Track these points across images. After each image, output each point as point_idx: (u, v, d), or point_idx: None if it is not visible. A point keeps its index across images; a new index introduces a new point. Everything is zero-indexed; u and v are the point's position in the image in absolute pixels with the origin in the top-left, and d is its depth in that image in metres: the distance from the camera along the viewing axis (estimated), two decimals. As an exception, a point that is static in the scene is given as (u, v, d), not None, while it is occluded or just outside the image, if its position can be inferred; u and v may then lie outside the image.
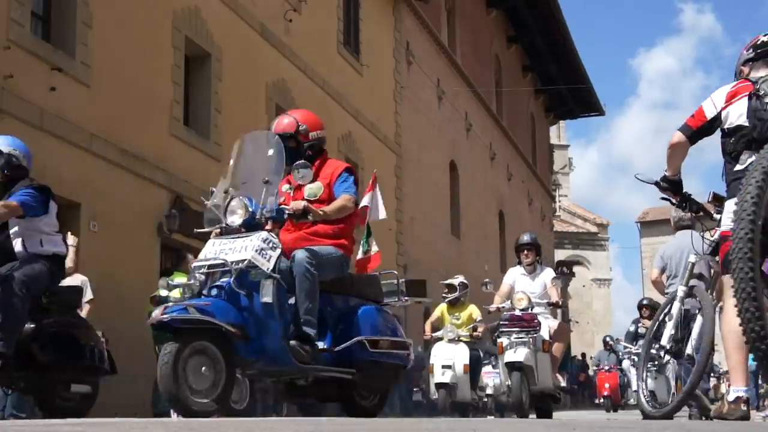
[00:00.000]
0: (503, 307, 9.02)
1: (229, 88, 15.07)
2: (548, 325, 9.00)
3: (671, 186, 4.97)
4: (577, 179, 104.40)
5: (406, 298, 6.22)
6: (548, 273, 9.35)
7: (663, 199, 5.14)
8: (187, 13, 14.12)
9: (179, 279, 10.40)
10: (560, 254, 46.30)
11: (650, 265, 11.69)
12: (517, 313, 8.76)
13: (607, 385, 19.16)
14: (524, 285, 9.20)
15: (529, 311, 8.81)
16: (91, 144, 11.76)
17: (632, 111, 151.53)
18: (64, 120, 11.26)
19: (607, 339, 21.18)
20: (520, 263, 9.37)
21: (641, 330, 13.21)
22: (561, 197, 54.80)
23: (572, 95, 36.56)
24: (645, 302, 13.67)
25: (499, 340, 8.77)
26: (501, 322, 8.83)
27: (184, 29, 14.01)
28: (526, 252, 9.32)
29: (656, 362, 5.58)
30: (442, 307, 12.05)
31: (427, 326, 12.30)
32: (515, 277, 9.40)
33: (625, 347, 14.34)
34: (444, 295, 12.10)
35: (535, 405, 9.02)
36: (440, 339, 11.49)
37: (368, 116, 20.73)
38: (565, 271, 36.32)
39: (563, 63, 33.83)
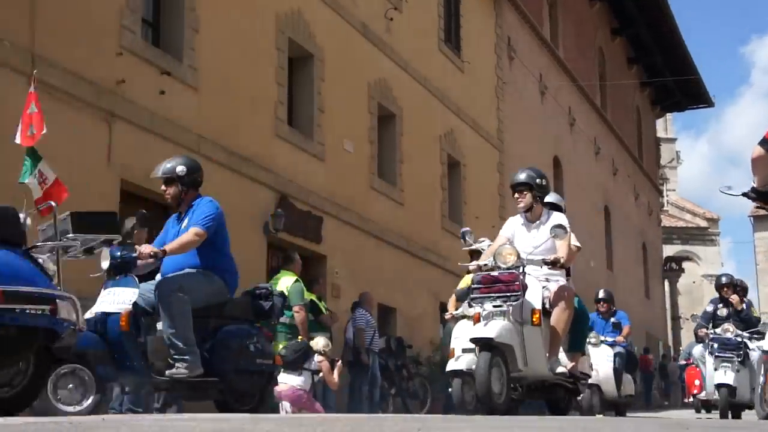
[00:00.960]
0: (486, 265, 6.99)
1: (332, 88, 15.23)
2: (551, 290, 7.09)
3: (760, 196, 4.83)
4: (686, 173, 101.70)
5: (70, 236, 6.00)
6: (555, 219, 7.25)
7: (758, 207, 5.04)
8: (290, 15, 14.32)
9: (286, 278, 10.58)
10: (669, 250, 45.22)
11: (765, 260, 11.17)
12: (495, 273, 6.84)
13: (697, 382, 17.49)
14: (522, 238, 7.36)
15: (520, 270, 6.82)
16: (199, 146, 12.05)
17: (744, 101, 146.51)
18: (173, 123, 11.57)
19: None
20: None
21: (721, 312, 11.27)
22: (669, 192, 53.47)
23: (679, 87, 35.62)
24: (724, 280, 11.56)
25: (474, 311, 6.86)
26: (473, 286, 6.96)
27: (288, 31, 14.22)
28: (517, 195, 7.43)
29: None
30: (467, 279, 9.11)
31: (451, 302, 10.38)
32: (515, 228, 7.53)
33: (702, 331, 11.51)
34: (462, 264, 9.82)
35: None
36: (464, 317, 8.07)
37: (470, 113, 20.64)
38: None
39: (670, 54, 32.98)
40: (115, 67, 10.72)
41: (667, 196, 52.00)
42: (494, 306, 6.68)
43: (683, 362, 17.69)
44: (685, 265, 43.16)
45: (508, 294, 6.67)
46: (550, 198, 7.86)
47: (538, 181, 7.38)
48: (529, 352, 6.76)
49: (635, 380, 14.03)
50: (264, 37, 13.70)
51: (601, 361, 11.68)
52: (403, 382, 14.26)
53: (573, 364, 7.33)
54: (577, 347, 7.53)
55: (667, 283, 39.37)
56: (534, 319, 6.79)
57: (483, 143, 21.43)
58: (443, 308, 18.49)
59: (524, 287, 6.75)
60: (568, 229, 7.09)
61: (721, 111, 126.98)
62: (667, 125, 53.97)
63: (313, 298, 11.72)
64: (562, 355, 7.14)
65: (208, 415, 4.99)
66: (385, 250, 16.30)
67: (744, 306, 11.43)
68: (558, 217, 7.26)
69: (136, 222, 9.07)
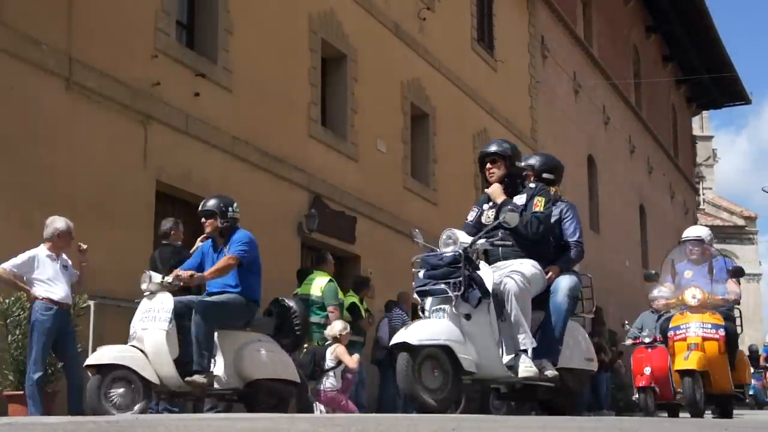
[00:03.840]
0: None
1: (365, 89, 15.24)
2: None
3: None
4: (724, 170, 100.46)
5: None
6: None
7: None
8: (323, 16, 14.36)
9: (320, 278, 10.59)
10: (705, 249, 44.68)
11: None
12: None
13: None
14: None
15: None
16: (234, 147, 12.11)
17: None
18: (207, 124, 11.64)
19: None
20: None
21: None
22: (705, 190, 52.96)
23: (716, 84, 35.21)
24: None
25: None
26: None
27: (320, 32, 14.26)
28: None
29: None
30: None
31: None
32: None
33: None
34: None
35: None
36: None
37: (503, 112, 20.57)
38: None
39: (705, 51, 32.62)
40: (150, 70, 10.80)
41: (703, 194, 51.50)
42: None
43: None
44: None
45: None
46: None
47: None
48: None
49: None
50: (297, 38, 13.74)
51: None
52: (436, 382, 14.22)
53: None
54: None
55: (703, 283, 38.90)
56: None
57: (516, 142, 21.23)
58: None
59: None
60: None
61: (759, 107, 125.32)
62: (703, 123, 53.43)
63: (356, 300, 11.72)
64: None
65: (244, 415, 5.02)
66: (419, 250, 16.26)
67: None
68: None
69: (173, 224, 9.16)
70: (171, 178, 10.94)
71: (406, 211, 16.09)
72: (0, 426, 3.42)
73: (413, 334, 5.76)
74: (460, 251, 6.05)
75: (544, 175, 7.12)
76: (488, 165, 6.72)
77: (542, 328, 6.35)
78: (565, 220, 6.94)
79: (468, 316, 5.94)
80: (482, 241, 6.25)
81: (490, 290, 5.97)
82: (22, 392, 7.84)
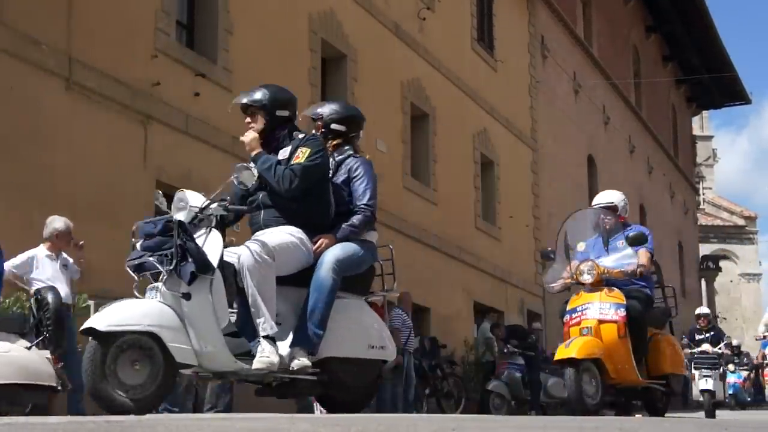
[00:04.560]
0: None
1: (365, 89, 15.25)
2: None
3: None
4: (725, 170, 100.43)
5: None
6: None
7: None
8: (323, 16, 14.36)
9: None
10: (705, 248, 44.75)
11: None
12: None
13: None
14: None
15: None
16: (234, 147, 12.09)
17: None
18: (207, 124, 11.64)
19: None
20: None
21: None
22: (705, 190, 52.98)
23: (715, 84, 35.22)
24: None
25: None
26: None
27: (320, 32, 14.26)
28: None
29: None
30: None
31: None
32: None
33: None
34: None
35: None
36: None
37: (503, 112, 20.57)
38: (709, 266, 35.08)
39: (705, 51, 32.64)
40: (150, 70, 10.81)
41: (703, 194, 51.51)
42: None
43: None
44: (722, 263, 42.71)
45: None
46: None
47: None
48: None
49: None
50: (297, 38, 13.75)
51: None
52: (437, 382, 14.24)
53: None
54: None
55: (703, 282, 38.99)
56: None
57: (516, 142, 21.35)
58: (477, 308, 18.49)
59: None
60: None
61: (760, 107, 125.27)
62: (703, 123, 53.44)
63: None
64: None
65: (244, 415, 5.01)
66: (419, 249, 16.29)
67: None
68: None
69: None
70: (171, 178, 10.94)
71: (406, 210, 16.09)
72: (0, 426, 3.42)
73: (104, 318, 4.78)
74: (175, 218, 5.18)
75: (333, 126, 6.08)
76: (246, 119, 5.94)
77: (300, 310, 5.33)
78: (354, 180, 5.70)
79: (187, 296, 4.89)
80: (215, 205, 5.31)
81: (216, 264, 4.98)
82: (21, 392, 7.83)
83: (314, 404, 9.27)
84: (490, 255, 19.27)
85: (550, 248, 8.04)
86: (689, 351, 13.59)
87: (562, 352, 7.22)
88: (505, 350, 14.90)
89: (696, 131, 45.29)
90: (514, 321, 18.91)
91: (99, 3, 10.26)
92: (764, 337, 12.12)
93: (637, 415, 8.61)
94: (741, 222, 54.01)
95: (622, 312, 7.25)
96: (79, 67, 9.80)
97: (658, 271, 8.37)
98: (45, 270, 7.96)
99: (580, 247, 7.74)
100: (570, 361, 7.14)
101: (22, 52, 9.19)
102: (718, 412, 12.89)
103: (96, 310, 8.95)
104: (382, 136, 15.73)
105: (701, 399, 12.88)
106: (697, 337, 14.21)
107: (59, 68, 9.59)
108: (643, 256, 7.56)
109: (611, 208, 7.89)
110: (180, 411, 8.50)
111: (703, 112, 46.48)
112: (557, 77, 23.98)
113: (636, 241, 7.57)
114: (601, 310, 7.28)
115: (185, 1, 12.18)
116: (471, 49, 19.52)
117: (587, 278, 7.44)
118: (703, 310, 15.19)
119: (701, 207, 48.90)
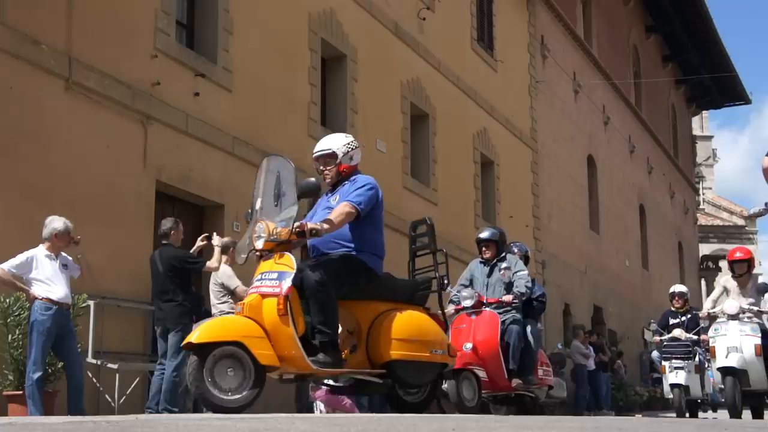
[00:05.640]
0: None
1: (365, 89, 15.25)
2: None
3: None
4: (725, 170, 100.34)
5: None
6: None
7: None
8: (323, 16, 14.36)
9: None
10: (705, 248, 44.75)
11: (805, 259, 11.27)
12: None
13: None
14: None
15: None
16: (233, 147, 12.11)
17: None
18: (207, 124, 11.64)
19: None
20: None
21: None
22: (705, 190, 52.99)
23: (715, 84, 35.24)
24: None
25: None
26: None
27: (320, 32, 14.26)
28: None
29: None
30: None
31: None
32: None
33: None
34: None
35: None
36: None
37: (503, 112, 20.58)
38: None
39: (705, 51, 32.65)
40: (150, 70, 10.81)
41: (703, 194, 51.52)
42: None
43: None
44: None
45: None
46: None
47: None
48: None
49: None
50: (297, 38, 13.74)
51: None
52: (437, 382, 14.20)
53: None
54: None
55: (703, 282, 38.99)
56: None
57: (516, 142, 21.35)
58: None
59: None
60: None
61: (760, 107, 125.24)
62: (703, 123, 53.45)
63: None
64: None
65: (244, 415, 5.02)
66: (419, 250, 16.26)
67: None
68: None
69: (173, 224, 9.17)
70: (171, 178, 10.95)
71: (406, 211, 16.08)
72: (0, 426, 3.42)
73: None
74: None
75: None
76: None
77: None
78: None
79: None
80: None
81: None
82: (21, 392, 7.84)
83: (314, 404, 9.29)
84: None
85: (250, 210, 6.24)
86: (659, 339, 11.98)
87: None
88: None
89: (696, 131, 45.29)
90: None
91: (99, 3, 10.26)
92: (708, 315, 10.84)
93: (637, 415, 8.74)
94: (741, 222, 53.99)
95: (287, 283, 5.67)
96: (79, 67, 9.80)
97: (430, 232, 7.46)
98: (45, 270, 7.96)
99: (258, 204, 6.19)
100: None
101: (22, 52, 9.19)
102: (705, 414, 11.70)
103: (95, 310, 8.99)
104: (381, 136, 15.74)
105: (671, 396, 11.49)
106: (671, 321, 12.08)
107: (59, 68, 9.59)
108: (339, 209, 6.22)
109: (330, 156, 6.67)
110: (180, 411, 8.50)
111: (703, 112, 46.48)
112: (557, 77, 23.98)
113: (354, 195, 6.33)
114: (262, 282, 5.78)
115: (185, 1, 12.18)
116: (471, 49, 19.52)
117: (259, 244, 5.96)
118: (679, 288, 12.70)
119: (701, 207, 48.91)
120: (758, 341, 9.63)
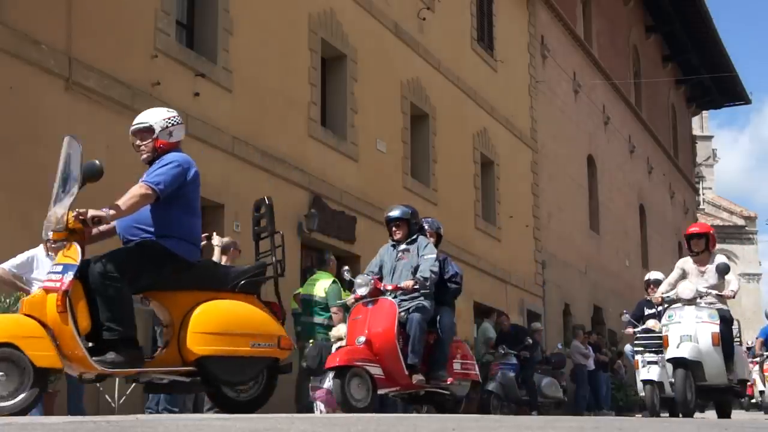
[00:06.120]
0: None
1: (365, 89, 15.25)
2: None
3: None
4: (725, 170, 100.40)
5: None
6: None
7: None
8: (323, 16, 14.36)
9: (324, 280, 10.60)
10: (705, 249, 44.70)
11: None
12: None
13: None
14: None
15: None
16: (233, 147, 12.11)
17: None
18: (207, 124, 11.64)
19: None
20: None
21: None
22: (705, 190, 53.03)
23: (715, 84, 35.24)
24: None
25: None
26: None
27: (320, 32, 14.26)
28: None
29: None
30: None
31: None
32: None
33: None
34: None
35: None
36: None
37: (503, 112, 20.58)
38: None
39: (705, 51, 32.65)
40: (150, 70, 10.80)
41: (703, 194, 51.56)
42: None
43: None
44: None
45: None
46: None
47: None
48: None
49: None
50: (297, 38, 13.74)
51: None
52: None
53: None
54: None
55: (703, 282, 38.93)
56: None
57: (516, 142, 21.35)
58: (477, 308, 18.47)
59: None
60: None
61: (760, 106, 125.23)
62: (703, 123, 53.49)
63: None
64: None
65: (244, 415, 5.02)
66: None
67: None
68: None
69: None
70: (171, 178, 10.93)
71: (406, 211, 16.08)
72: (0, 426, 3.42)
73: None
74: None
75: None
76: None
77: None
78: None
79: None
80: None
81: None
82: (21, 392, 7.82)
83: (314, 404, 9.28)
84: (490, 255, 19.27)
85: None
86: (631, 331, 11.01)
87: None
88: (502, 350, 14.86)
89: (696, 131, 45.30)
90: (514, 321, 18.90)
91: (99, 3, 10.26)
92: (662, 300, 9.29)
93: (637, 415, 8.52)
94: (741, 222, 54.05)
95: (69, 277, 5.30)
96: (79, 67, 9.80)
97: (269, 212, 6.86)
98: (45, 270, 7.95)
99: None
100: None
101: (22, 52, 9.19)
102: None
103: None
104: (381, 136, 15.74)
105: (643, 394, 10.23)
106: (647, 311, 11.13)
107: (59, 68, 9.59)
108: (132, 190, 5.98)
109: (147, 130, 6.28)
110: (180, 411, 8.50)
111: (703, 112, 46.48)
112: (557, 77, 23.99)
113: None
114: (49, 276, 5.48)
115: (185, 1, 12.18)
116: (471, 49, 19.52)
117: (48, 235, 5.84)
118: (655, 275, 11.65)
119: (701, 207, 48.93)
120: (716, 329, 8.66)
